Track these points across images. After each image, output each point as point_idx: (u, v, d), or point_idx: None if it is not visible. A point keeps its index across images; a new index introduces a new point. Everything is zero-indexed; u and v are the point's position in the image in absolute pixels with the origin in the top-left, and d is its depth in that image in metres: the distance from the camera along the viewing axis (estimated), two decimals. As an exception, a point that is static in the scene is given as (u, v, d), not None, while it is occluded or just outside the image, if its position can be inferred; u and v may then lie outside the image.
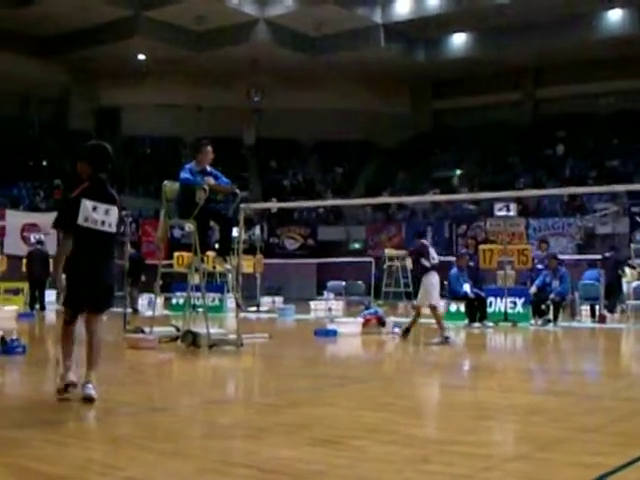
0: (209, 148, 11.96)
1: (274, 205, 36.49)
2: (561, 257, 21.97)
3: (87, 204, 6.77)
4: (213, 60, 46.63)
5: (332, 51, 46.15)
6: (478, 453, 4.84)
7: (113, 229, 6.92)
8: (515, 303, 19.55)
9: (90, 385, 6.50)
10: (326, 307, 27.61)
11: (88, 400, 6.41)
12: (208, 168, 11.93)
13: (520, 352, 14.43)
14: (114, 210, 6.93)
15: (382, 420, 6.04)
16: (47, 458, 4.55)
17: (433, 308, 14.17)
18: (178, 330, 12.44)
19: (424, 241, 14.99)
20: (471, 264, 20.18)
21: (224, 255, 12.32)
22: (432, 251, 14.39)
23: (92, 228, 6.81)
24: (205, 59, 46.65)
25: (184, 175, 11.70)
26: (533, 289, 19.77)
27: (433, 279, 14.07)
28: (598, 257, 24.96)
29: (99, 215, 6.82)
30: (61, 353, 6.83)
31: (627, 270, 22.93)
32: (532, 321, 19.30)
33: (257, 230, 32.24)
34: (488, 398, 7.52)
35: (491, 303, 19.55)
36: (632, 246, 25.79)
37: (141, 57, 46.91)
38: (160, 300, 22.13)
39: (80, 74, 49.60)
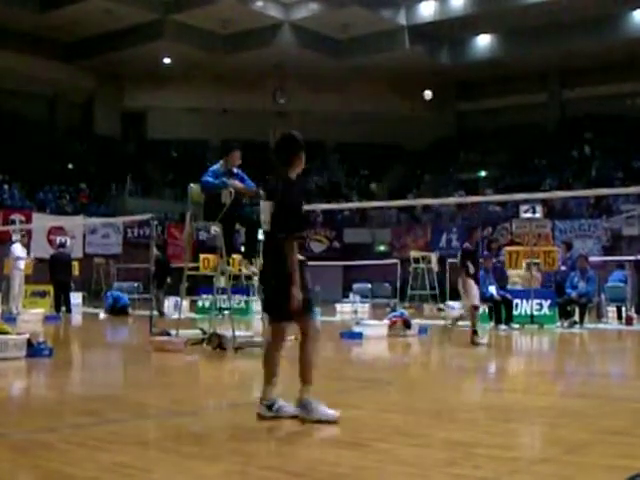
0: (238, 153, 11.96)
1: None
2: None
3: None
4: (238, 63, 46.78)
5: (357, 53, 46.19)
6: (505, 456, 4.82)
7: None
8: (541, 305, 19.45)
9: None
10: (352, 309, 27.60)
11: None
12: (234, 170, 11.95)
13: (546, 354, 14.35)
14: None
15: (408, 423, 6.03)
16: (75, 461, 4.58)
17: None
18: (204, 333, 12.46)
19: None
20: (499, 264, 20.13)
21: (250, 258, 12.33)
22: None
23: None
24: (230, 62, 46.80)
25: (205, 178, 11.72)
26: (570, 292, 19.55)
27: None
28: (624, 259, 24.82)
29: None
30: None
31: None
32: (558, 323, 19.22)
33: (282, 233, 32.21)
34: (514, 400, 7.49)
35: (517, 305, 19.45)
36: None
37: (167, 61, 47.12)
38: (186, 303, 22.20)
39: (106, 78, 49.91)
